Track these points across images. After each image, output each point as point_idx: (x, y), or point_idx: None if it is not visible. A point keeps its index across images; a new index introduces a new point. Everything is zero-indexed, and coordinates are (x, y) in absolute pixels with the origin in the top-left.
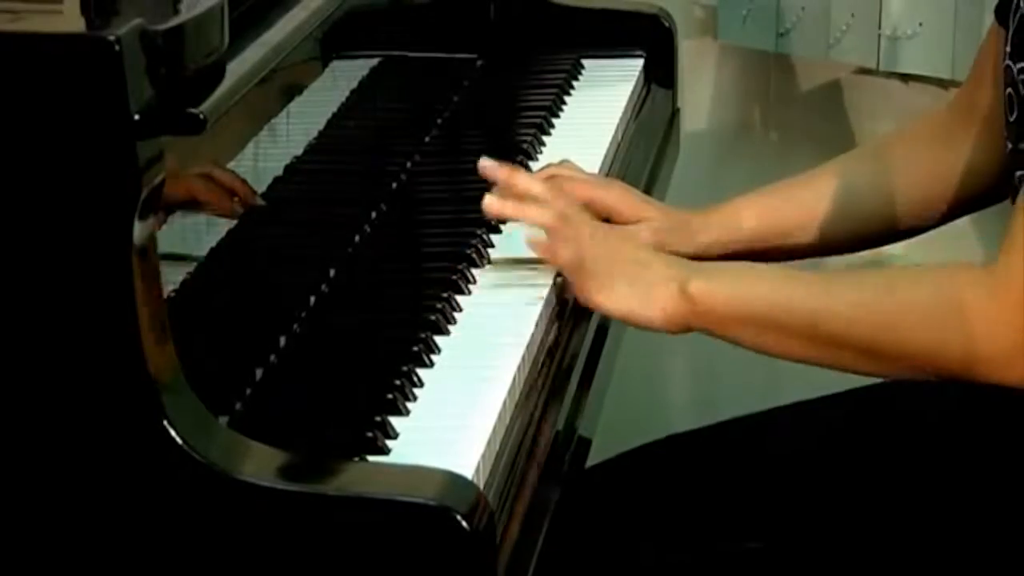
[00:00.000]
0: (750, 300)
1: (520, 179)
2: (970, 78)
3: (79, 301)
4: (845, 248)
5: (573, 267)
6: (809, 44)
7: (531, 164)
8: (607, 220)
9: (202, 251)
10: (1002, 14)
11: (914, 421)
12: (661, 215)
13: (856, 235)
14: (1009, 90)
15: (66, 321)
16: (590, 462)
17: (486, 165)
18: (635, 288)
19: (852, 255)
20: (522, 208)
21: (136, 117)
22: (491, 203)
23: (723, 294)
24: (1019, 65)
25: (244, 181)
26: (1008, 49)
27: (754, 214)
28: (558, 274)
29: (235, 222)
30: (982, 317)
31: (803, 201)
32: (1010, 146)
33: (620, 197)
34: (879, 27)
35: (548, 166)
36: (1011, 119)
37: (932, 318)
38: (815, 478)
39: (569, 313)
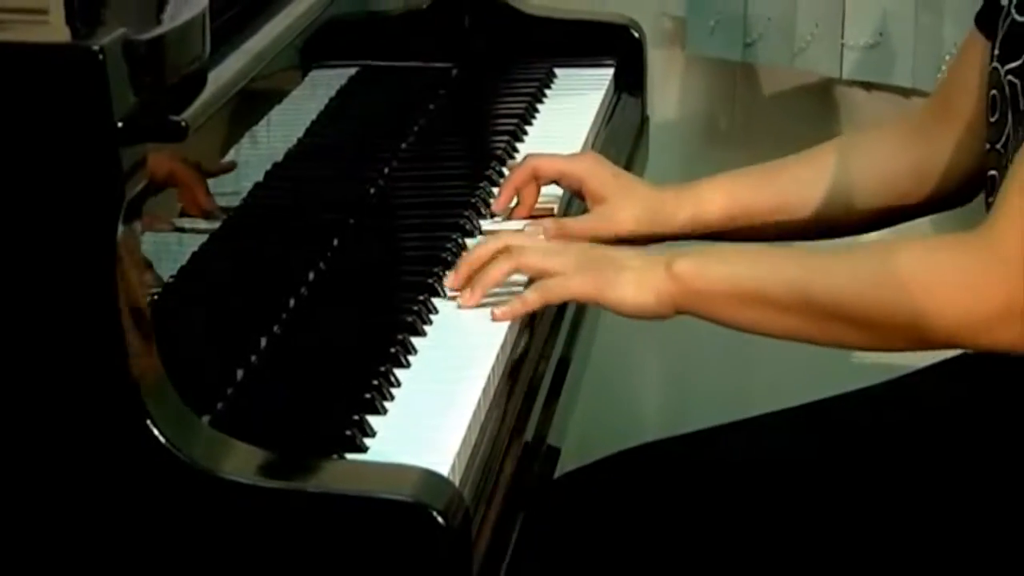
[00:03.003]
0: (738, 276)
1: (471, 265)
2: (947, 81)
3: (64, 304)
4: (811, 235)
5: (557, 275)
6: (774, 54)
7: (504, 170)
8: (578, 191)
9: (185, 255)
10: (984, 21)
11: (884, 430)
12: (629, 191)
13: (823, 223)
14: (994, 91)
15: (51, 323)
16: (564, 469)
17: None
18: (623, 277)
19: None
20: (484, 281)
21: (119, 124)
22: (465, 300)
23: (711, 271)
24: (1006, 67)
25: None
26: (997, 52)
27: (725, 195)
28: (531, 279)
29: (217, 226)
30: (970, 283)
31: (776, 186)
32: (988, 146)
33: (590, 169)
34: (842, 37)
35: (525, 159)
36: (992, 119)
37: (923, 285)
38: (781, 487)
39: (541, 316)
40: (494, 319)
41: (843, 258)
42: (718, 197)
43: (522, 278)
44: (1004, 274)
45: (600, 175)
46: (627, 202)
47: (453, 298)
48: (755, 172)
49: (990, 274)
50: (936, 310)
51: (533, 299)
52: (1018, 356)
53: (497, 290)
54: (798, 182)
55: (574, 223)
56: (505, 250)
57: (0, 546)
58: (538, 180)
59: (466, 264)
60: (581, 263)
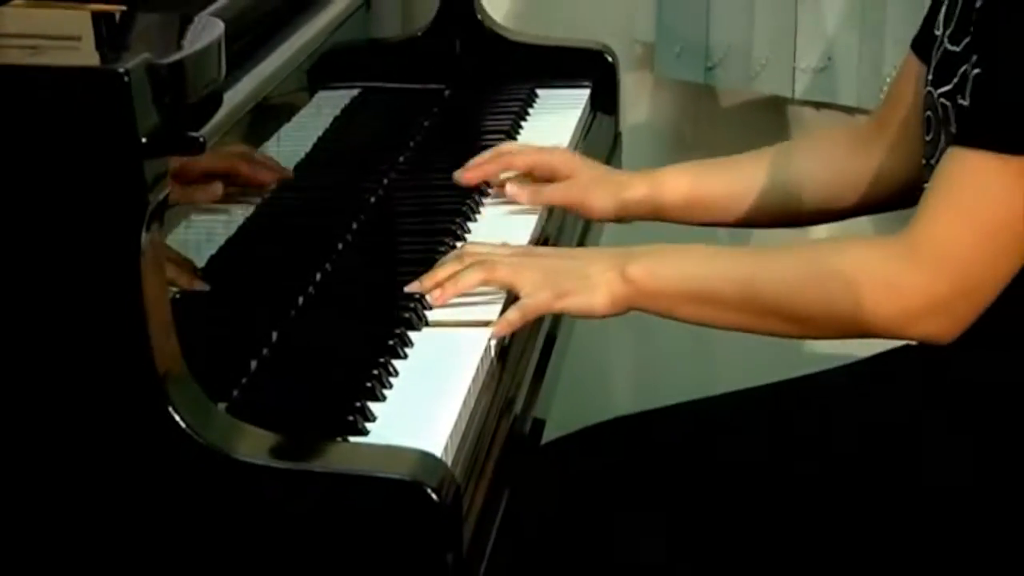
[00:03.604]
0: (686, 277)
1: (441, 275)
2: (887, 98)
3: (94, 302)
4: (760, 225)
5: (527, 289)
6: (733, 77)
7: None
8: (550, 180)
9: (204, 257)
10: (920, 47)
11: (834, 410)
12: (594, 173)
13: (769, 215)
14: (928, 113)
15: (82, 319)
16: (548, 437)
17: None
18: (581, 284)
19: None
20: (457, 285)
21: (143, 140)
22: (436, 299)
23: (661, 273)
24: (939, 91)
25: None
26: (931, 77)
27: (683, 183)
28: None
29: (233, 232)
30: (896, 281)
31: (729, 179)
32: (924, 161)
33: (561, 158)
34: (794, 62)
35: (497, 149)
36: (928, 138)
37: (856, 284)
38: (738, 458)
39: None
40: (432, 302)
41: (784, 258)
42: (679, 183)
43: None
44: (924, 274)
45: (571, 163)
46: (596, 187)
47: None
48: (713, 163)
49: (912, 274)
50: (867, 306)
51: (515, 318)
52: (949, 346)
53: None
54: (748, 175)
55: (551, 190)
56: (479, 262)
57: (38, 517)
58: (511, 167)
59: (439, 273)
60: (546, 277)
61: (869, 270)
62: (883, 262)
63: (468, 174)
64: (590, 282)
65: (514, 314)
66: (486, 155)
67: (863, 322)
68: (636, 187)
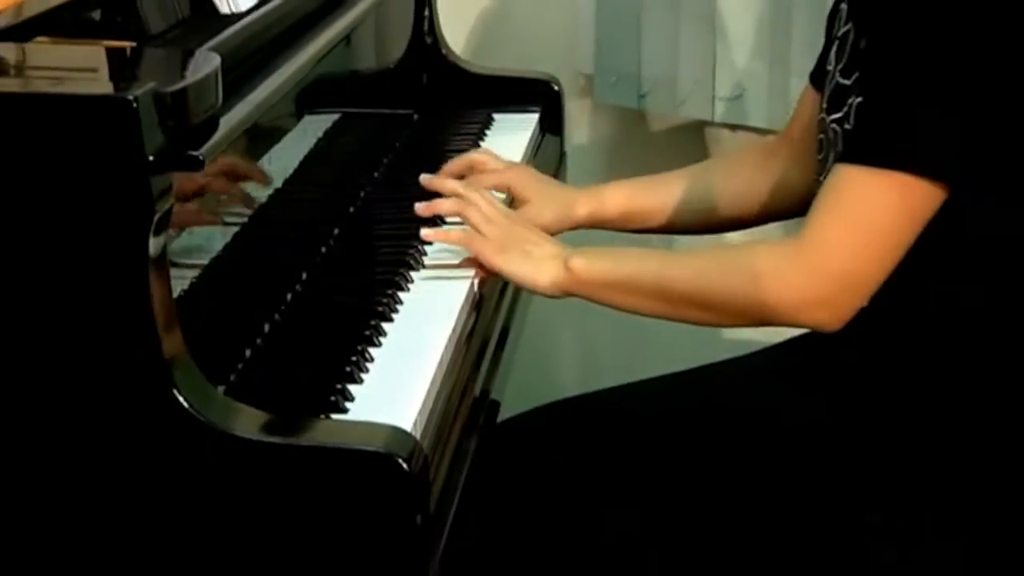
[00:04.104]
0: (616, 271)
1: (436, 182)
2: (790, 122)
3: (108, 297)
4: (688, 232)
5: (483, 241)
6: (662, 103)
7: None
8: (518, 196)
9: (205, 259)
10: (816, 78)
11: (749, 387)
12: (547, 194)
13: (692, 225)
14: (821, 136)
15: (97, 313)
16: (503, 417)
17: (423, 179)
18: (529, 259)
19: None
20: (433, 203)
21: (150, 158)
22: (420, 209)
23: (596, 266)
24: (831, 117)
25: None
26: (824, 106)
27: (621, 200)
28: (475, 274)
29: (230, 238)
30: (788, 278)
31: (658, 196)
32: (816, 178)
33: (520, 179)
34: (713, 90)
35: (470, 153)
36: (819, 158)
37: (755, 279)
38: (667, 433)
39: (484, 303)
40: (423, 236)
41: (697, 256)
42: (618, 200)
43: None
44: (811, 271)
45: (524, 182)
46: (545, 204)
47: (416, 291)
48: (645, 181)
49: (801, 271)
50: (763, 297)
51: (456, 237)
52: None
53: (444, 281)
54: (675, 192)
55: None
56: (462, 196)
57: (55, 488)
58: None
59: (437, 180)
60: (505, 238)
61: (766, 266)
62: (778, 260)
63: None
64: (535, 262)
65: (458, 235)
66: (459, 161)
67: (760, 311)
68: (581, 206)
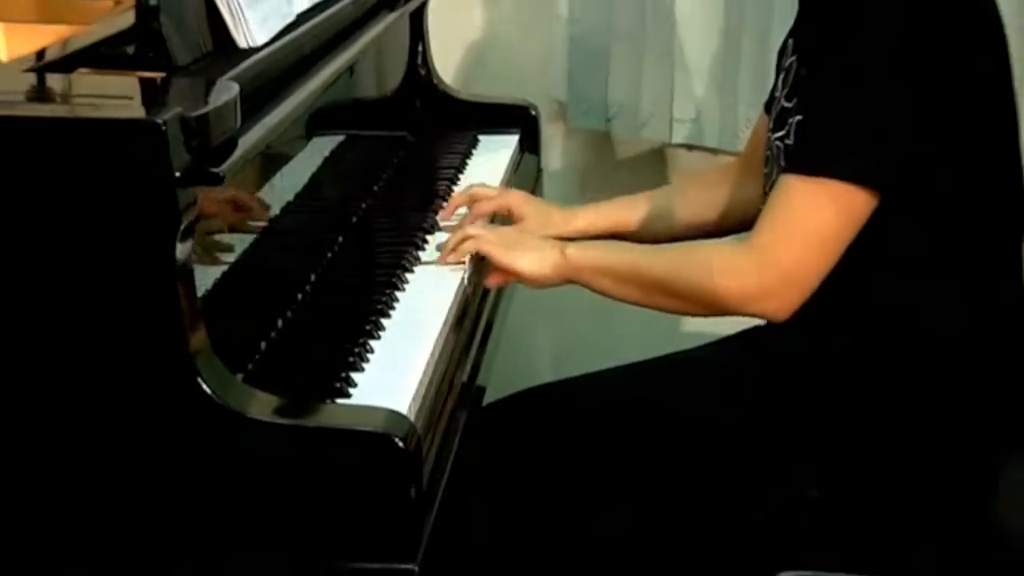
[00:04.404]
0: (602, 259)
1: (452, 240)
2: (746, 147)
3: (140, 296)
4: (658, 242)
5: (495, 246)
6: (626, 127)
7: (443, 203)
8: (510, 215)
9: (226, 263)
10: (767, 106)
11: (705, 372)
12: (541, 213)
13: (661, 237)
14: (768, 152)
15: (130, 311)
16: (487, 401)
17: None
18: (534, 256)
19: None
20: (459, 251)
21: (177, 174)
22: (448, 258)
23: (588, 256)
24: (775, 135)
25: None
26: (771, 127)
27: (601, 217)
28: (466, 272)
29: (248, 244)
30: (739, 274)
31: (630, 213)
32: (764, 191)
33: (516, 201)
34: (671, 115)
35: (469, 187)
36: (766, 171)
37: (711, 274)
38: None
39: (472, 299)
40: (453, 260)
41: (668, 251)
42: (593, 219)
43: (451, 278)
44: (758, 268)
45: (520, 203)
46: (536, 222)
47: (411, 291)
48: (618, 203)
49: (750, 268)
50: (719, 290)
51: (469, 247)
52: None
53: (436, 281)
54: (642, 211)
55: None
56: (472, 236)
57: (96, 464)
58: (480, 213)
59: (451, 243)
60: (508, 243)
61: (722, 263)
62: (732, 257)
63: (445, 212)
64: (535, 256)
65: (471, 245)
66: (461, 195)
67: (716, 301)
68: (566, 222)
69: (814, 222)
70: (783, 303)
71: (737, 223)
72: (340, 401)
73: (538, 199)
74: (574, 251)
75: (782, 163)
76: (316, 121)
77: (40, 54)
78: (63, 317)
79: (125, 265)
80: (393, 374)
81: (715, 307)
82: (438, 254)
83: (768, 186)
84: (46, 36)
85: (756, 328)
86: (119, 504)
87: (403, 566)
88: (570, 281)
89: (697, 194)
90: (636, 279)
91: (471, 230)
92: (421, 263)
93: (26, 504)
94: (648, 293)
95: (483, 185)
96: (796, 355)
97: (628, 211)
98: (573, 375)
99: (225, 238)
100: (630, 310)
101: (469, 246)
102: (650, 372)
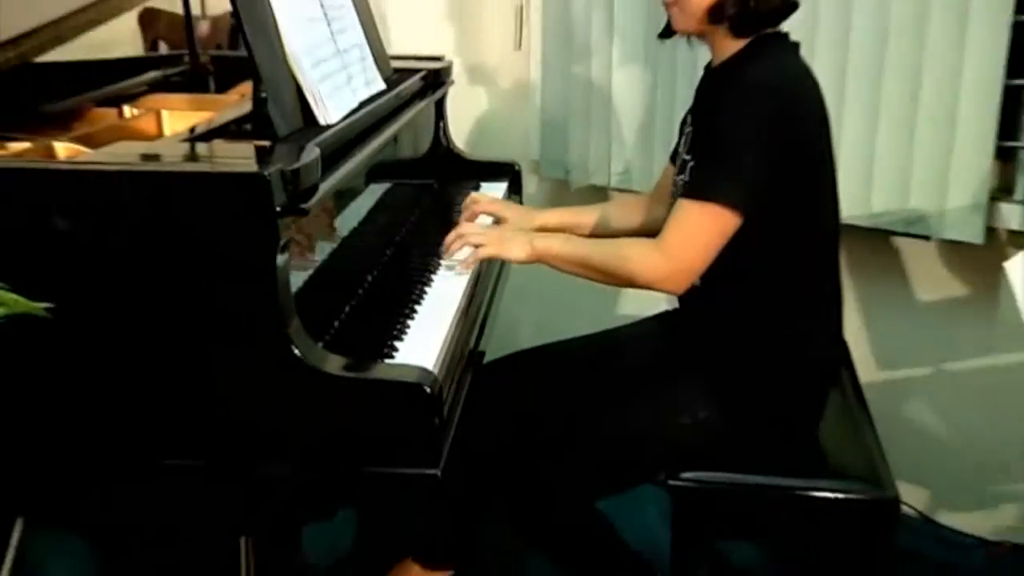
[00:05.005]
0: (559, 248)
1: (454, 247)
2: (658, 184)
3: (252, 292)
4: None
5: (484, 240)
6: (579, 176)
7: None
8: (501, 217)
9: (311, 268)
10: (672, 158)
11: (626, 343)
12: (516, 213)
13: (602, 234)
14: (673, 189)
15: (244, 306)
16: (485, 361)
17: (448, 246)
18: (513, 244)
19: None
20: (460, 246)
21: (277, 208)
22: (448, 251)
23: (549, 245)
24: (678, 177)
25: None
26: (676, 172)
27: (562, 219)
28: (474, 268)
29: (327, 256)
30: (650, 261)
31: (582, 219)
32: (668, 211)
33: (501, 207)
34: (609, 168)
35: (470, 197)
36: (671, 201)
37: (630, 260)
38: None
39: (477, 287)
40: (462, 260)
41: (606, 244)
42: (554, 218)
43: (463, 277)
44: (661, 259)
45: (503, 208)
46: (515, 219)
47: (435, 288)
48: (570, 211)
49: (656, 259)
50: (636, 272)
51: (484, 254)
52: (684, 307)
53: (453, 277)
54: (590, 218)
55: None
56: (464, 235)
57: (225, 406)
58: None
59: (452, 243)
60: (500, 239)
61: (638, 255)
62: (645, 251)
63: (463, 221)
64: (516, 244)
65: (484, 252)
66: (466, 209)
67: (633, 280)
68: (535, 221)
69: (699, 231)
70: (677, 284)
71: (649, 231)
72: (387, 361)
73: (516, 205)
74: (541, 241)
75: (680, 194)
76: (372, 173)
77: (192, 130)
78: (204, 306)
79: (244, 269)
80: (423, 343)
81: (633, 284)
82: (452, 260)
83: (671, 208)
84: (195, 118)
85: (667, 311)
86: (242, 429)
87: (429, 471)
88: (539, 262)
89: (626, 210)
90: (581, 262)
91: (462, 228)
92: (442, 268)
93: (180, 425)
94: (588, 271)
95: (481, 194)
96: (691, 326)
97: (580, 215)
98: (547, 342)
99: (310, 253)
100: (588, 299)
101: (459, 243)
102: (599, 339)
